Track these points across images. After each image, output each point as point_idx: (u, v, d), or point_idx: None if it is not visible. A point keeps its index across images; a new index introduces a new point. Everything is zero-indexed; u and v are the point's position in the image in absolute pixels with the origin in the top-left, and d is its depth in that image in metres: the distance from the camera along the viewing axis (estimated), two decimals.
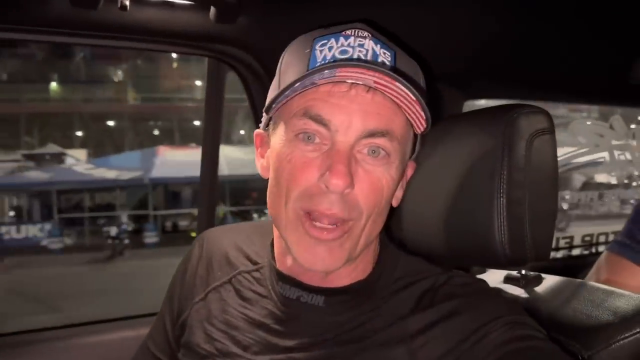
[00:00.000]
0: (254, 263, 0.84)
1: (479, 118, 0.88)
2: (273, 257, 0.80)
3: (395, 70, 0.70)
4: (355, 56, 0.69)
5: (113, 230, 13.63)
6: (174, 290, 0.91)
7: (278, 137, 0.72)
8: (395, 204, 0.79)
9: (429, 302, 0.72)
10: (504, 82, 1.54)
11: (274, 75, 0.77)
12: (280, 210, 0.71)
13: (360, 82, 0.66)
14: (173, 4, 0.98)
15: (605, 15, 1.07)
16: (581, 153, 3.44)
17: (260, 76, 1.22)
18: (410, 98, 0.65)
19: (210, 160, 1.48)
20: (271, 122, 0.75)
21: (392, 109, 0.69)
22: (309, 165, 0.68)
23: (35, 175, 16.70)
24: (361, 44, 0.70)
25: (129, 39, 1.08)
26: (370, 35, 0.72)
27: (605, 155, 3.42)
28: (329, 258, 0.68)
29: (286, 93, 0.66)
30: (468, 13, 1.06)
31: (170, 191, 16.67)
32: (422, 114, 0.68)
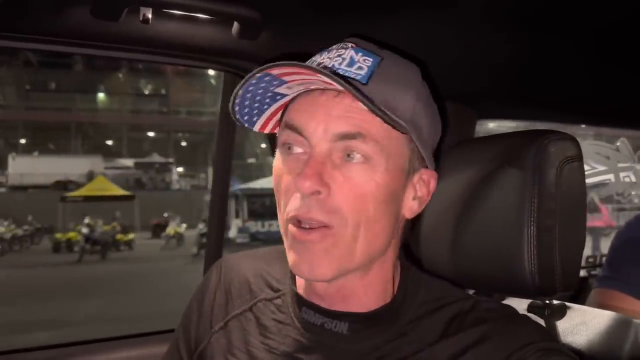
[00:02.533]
0: (275, 290, 0.81)
1: (505, 142, 0.87)
2: (294, 283, 0.78)
3: (370, 79, 0.68)
4: (329, 65, 0.69)
5: None
6: (190, 319, 0.87)
7: (276, 154, 0.73)
8: (409, 215, 0.74)
9: (457, 327, 0.70)
10: (518, 103, 1.53)
11: None
12: (281, 224, 0.71)
13: (303, 86, 0.67)
14: (196, 19, 0.96)
15: (621, 37, 1.06)
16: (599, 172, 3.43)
17: None
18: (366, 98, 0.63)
19: (221, 176, 1.45)
20: None
21: (366, 111, 0.66)
22: (288, 174, 0.68)
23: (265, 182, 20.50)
24: (340, 54, 0.70)
25: (149, 52, 1.06)
26: (353, 46, 0.71)
27: (610, 177, 3.42)
28: (315, 263, 0.66)
29: (237, 102, 0.68)
30: (485, 35, 1.05)
31: None
32: (375, 110, 0.64)
